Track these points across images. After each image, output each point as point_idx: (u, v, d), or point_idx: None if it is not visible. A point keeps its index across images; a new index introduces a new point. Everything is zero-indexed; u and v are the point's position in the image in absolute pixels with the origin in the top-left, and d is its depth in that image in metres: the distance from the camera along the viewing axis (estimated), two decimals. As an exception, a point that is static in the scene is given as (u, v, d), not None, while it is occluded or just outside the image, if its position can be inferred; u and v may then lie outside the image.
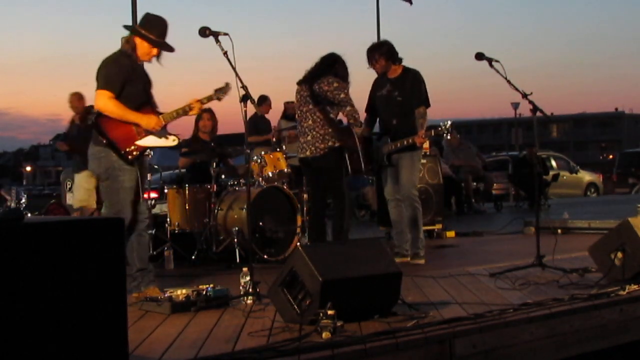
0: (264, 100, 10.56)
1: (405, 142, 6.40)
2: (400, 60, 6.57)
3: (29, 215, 6.47)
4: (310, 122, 6.33)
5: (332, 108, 6.31)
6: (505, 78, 5.64)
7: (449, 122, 6.44)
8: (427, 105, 6.56)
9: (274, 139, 9.13)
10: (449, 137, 6.88)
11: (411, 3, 20.52)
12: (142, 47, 4.97)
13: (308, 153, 6.36)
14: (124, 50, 4.99)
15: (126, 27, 5.06)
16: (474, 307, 4.16)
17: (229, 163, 8.36)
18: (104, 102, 4.84)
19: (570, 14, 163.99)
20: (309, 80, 6.37)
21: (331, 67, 6.36)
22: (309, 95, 6.34)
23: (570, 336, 4.15)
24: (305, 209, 7.30)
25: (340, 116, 6.51)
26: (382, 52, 6.52)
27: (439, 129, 6.42)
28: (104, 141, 4.89)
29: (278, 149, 7.43)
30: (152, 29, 4.96)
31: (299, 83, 6.48)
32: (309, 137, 6.34)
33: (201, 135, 7.84)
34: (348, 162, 6.30)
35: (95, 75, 4.91)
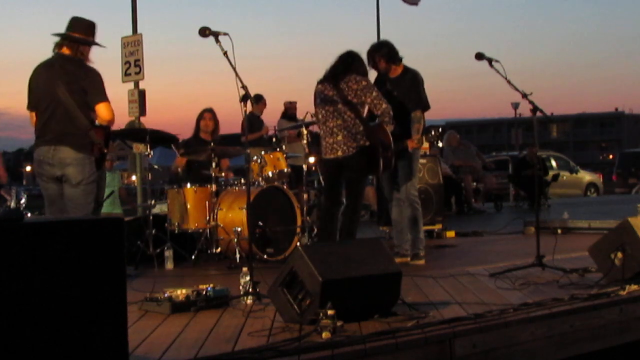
0: (259, 100, 10.58)
1: (399, 146, 6.38)
2: (400, 60, 6.55)
3: (29, 215, 6.49)
4: (340, 121, 6.14)
5: (362, 107, 6.21)
6: (505, 78, 5.63)
7: (440, 129, 6.47)
8: (425, 108, 6.53)
9: (274, 139, 9.12)
10: (440, 144, 6.92)
11: (417, 4, 20.44)
12: (87, 52, 5.23)
13: (340, 153, 6.14)
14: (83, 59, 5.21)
15: (75, 39, 5.16)
16: (474, 307, 4.16)
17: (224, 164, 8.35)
18: (113, 114, 5.15)
19: (570, 14, 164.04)
20: (333, 79, 6.21)
21: (352, 65, 6.24)
22: (335, 94, 6.17)
23: (570, 336, 4.15)
24: (305, 208, 7.29)
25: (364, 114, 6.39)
26: (382, 54, 6.49)
27: (430, 135, 6.43)
28: (105, 150, 5.15)
29: (278, 149, 7.42)
30: (94, 34, 5.26)
31: (321, 81, 6.30)
32: (339, 137, 6.14)
33: (202, 135, 7.83)
34: (382, 159, 6.13)
35: (78, 81, 5.07)
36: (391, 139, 6.16)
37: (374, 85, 6.22)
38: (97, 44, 5.25)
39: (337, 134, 6.16)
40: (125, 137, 8.81)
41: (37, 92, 5.21)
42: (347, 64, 6.21)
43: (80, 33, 5.16)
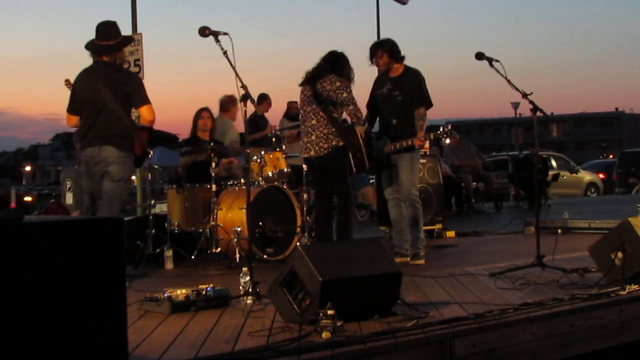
0: (263, 99, 10.53)
1: (404, 144, 6.40)
2: (402, 58, 6.57)
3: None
4: (314, 121, 6.31)
5: (336, 107, 6.29)
6: (506, 78, 5.63)
7: (449, 126, 6.48)
8: (428, 105, 6.55)
9: (274, 139, 9.11)
10: (447, 141, 6.92)
11: (405, 3, 20.41)
12: (123, 54, 5.71)
13: (312, 153, 6.33)
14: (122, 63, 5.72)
15: (110, 48, 5.51)
16: (474, 307, 4.16)
17: (228, 163, 8.34)
18: (154, 115, 5.53)
19: (570, 14, 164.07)
20: (312, 80, 6.34)
21: (333, 65, 6.34)
22: (312, 94, 6.31)
23: (570, 336, 4.15)
24: (305, 208, 7.29)
25: (344, 115, 6.48)
26: (385, 49, 6.53)
27: (438, 132, 6.45)
28: (148, 150, 5.67)
29: (278, 149, 7.41)
30: (120, 32, 5.61)
31: (302, 84, 6.45)
32: (312, 137, 6.32)
33: (200, 134, 7.82)
34: (352, 161, 6.27)
35: (122, 86, 5.46)
36: (360, 140, 6.28)
37: (349, 87, 6.32)
38: (127, 42, 5.72)
39: (311, 133, 6.33)
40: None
41: (82, 97, 5.57)
42: (327, 64, 6.34)
43: (111, 39, 5.51)
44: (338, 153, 6.28)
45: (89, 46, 5.56)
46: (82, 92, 5.55)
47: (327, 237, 6.32)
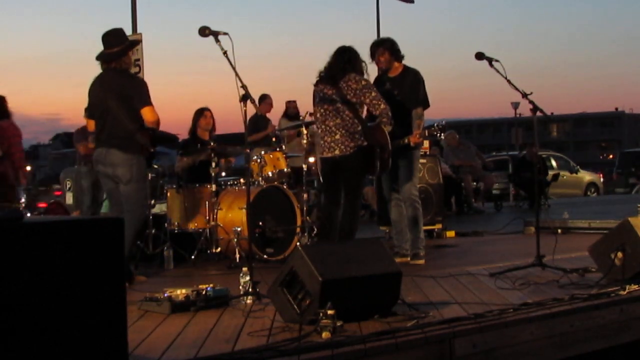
0: (263, 99, 10.52)
1: (400, 142, 6.38)
2: (402, 57, 6.56)
3: (29, 215, 6.51)
4: (338, 120, 6.12)
5: (360, 106, 6.19)
6: (506, 78, 5.64)
7: (443, 122, 6.47)
8: (426, 106, 6.56)
9: (274, 139, 9.12)
10: (442, 136, 6.91)
11: (412, 1, 20.45)
12: (129, 59, 5.87)
13: (337, 152, 6.12)
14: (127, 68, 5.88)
15: (115, 56, 5.69)
16: (474, 307, 4.16)
17: (228, 162, 8.34)
18: (157, 116, 5.67)
19: (570, 14, 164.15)
20: (332, 78, 6.18)
21: (350, 62, 6.22)
22: (334, 93, 6.15)
23: (570, 336, 4.15)
24: (305, 208, 7.28)
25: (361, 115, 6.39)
26: (386, 47, 6.53)
27: (432, 128, 6.44)
28: (152, 150, 5.79)
29: (278, 149, 7.41)
30: (126, 37, 5.92)
31: (318, 82, 6.28)
32: (337, 136, 6.12)
33: (200, 134, 7.82)
34: (379, 160, 6.15)
35: (125, 90, 5.62)
36: (389, 139, 6.16)
37: (373, 85, 6.22)
38: (131, 47, 5.92)
39: (335, 132, 6.15)
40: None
41: (93, 103, 5.87)
42: (345, 61, 6.19)
43: (115, 46, 5.71)
44: (362, 153, 6.12)
45: (99, 57, 5.80)
46: (93, 98, 5.85)
47: (330, 236, 6.24)
